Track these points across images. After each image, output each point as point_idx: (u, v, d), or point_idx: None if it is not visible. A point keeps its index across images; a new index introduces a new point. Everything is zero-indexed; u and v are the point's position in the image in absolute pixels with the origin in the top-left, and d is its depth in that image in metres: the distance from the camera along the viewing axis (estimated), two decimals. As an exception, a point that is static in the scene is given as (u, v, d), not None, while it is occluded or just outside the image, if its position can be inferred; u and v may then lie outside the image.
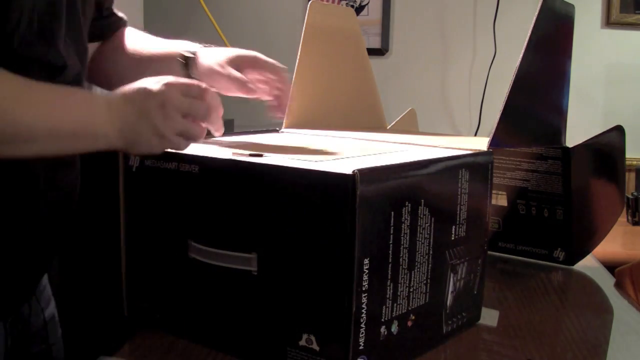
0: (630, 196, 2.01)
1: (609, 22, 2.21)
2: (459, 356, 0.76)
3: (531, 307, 0.92)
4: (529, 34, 0.89)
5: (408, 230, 0.68)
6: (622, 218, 2.04)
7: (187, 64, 0.93)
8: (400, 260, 0.67)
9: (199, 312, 0.75)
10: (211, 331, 0.74)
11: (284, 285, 0.67)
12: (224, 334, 0.73)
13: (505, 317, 0.88)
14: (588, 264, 1.12)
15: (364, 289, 0.63)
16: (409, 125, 1.29)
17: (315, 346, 0.66)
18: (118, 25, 0.99)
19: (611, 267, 1.10)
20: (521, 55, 0.87)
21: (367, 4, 2.31)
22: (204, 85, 0.73)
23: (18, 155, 0.69)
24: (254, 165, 0.69)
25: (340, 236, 0.62)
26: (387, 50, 2.33)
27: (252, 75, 0.94)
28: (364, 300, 0.64)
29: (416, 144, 0.88)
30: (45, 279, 0.93)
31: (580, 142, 1.07)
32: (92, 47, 0.94)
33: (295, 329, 0.67)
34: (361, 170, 0.61)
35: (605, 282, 1.06)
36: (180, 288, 0.76)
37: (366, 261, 0.63)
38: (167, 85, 0.70)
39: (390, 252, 0.66)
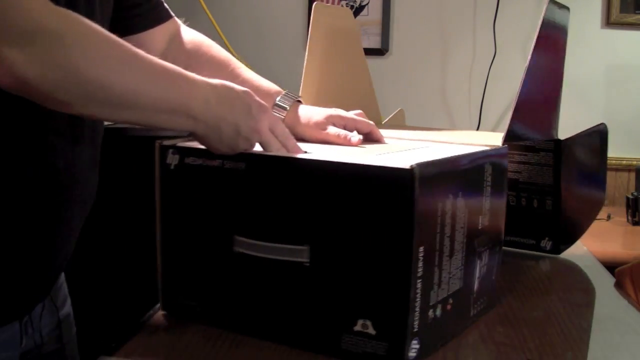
0: (630, 196, 2.01)
1: (609, 22, 2.21)
2: (458, 352, 0.76)
3: (527, 299, 0.92)
4: (535, 39, 0.95)
5: (450, 220, 0.73)
6: (622, 218, 2.04)
7: (281, 106, 0.94)
8: (444, 247, 0.73)
9: (245, 304, 0.78)
10: (260, 322, 0.77)
11: (338, 274, 0.71)
12: (274, 324, 0.76)
13: (501, 309, 0.88)
14: (575, 252, 1.18)
15: (419, 275, 0.68)
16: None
17: (371, 330, 0.70)
18: (166, 15, 0.98)
19: (611, 267, 1.10)
20: (529, 57, 0.93)
21: (367, 4, 2.31)
22: (287, 131, 0.77)
23: (113, 120, 0.71)
24: (307, 161, 0.72)
25: (399, 226, 0.67)
26: (387, 50, 2.33)
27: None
28: (419, 285, 0.69)
29: (432, 140, 0.93)
30: (62, 277, 0.93)
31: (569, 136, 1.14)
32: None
33: (350, 316, 0.71)
34: (419, 165, 0.66)
35: (591, 268, 1.11)
36: (225, 282, 0.79)
37: (421, 249, 0.68)
38: (265, 112, 0.75)
39: (437, 240, 0.71)
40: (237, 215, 0.76)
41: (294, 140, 0.78)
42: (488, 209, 0.82)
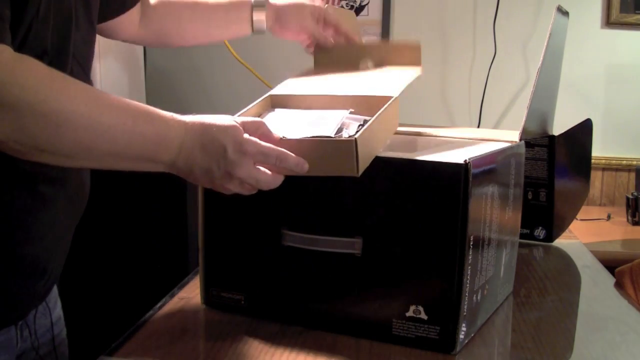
0: (630, 196, 2.01)
1: (609, 22, 2.20)
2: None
3: (526, 299, 0.92)
4: (544, 47, 1.01)
5: (490, 211, 0.78)
6: (622, 218, 2.04)
7: (258, 9, 0.96)
8: (485, 236, 0.78)
9: (294, 295, 0.81)
10: (309, 312, 0.81)
11: (390, 264, 0.75)
12: (324, 313, 0.80)
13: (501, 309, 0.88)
14: (563, 241, 1.28)
15: (469, 262, 0.73)
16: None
17: (423, 315, 0.74)
18: None
19: (611, 267, 1.10)
20: (541, 61, 1.00)
21: (367, 4, 2.31)
22: (283, 151, 0.72)
23: (77, 167, 0.70)
24: None
25: (455, 217, 0.71)
26: (387, 50, 2.33)
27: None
28: (469, 272, 0.74)
29: (453, 137, 0.97)
30: None
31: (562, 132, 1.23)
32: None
33: (402, 302, 0.75)
34: (472, 159, 0.71)
35: (591, 268, 1.15)
36: (273, 274, 0.82)
37: (471, 238, 0.73)
38: (244, 154, 0.70)
39: (482, 229, 0.76)
40: (285, 210, 0.79)
41: (293, 160, 0.72)
42: (512, 200, 0.88)
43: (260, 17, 0.96)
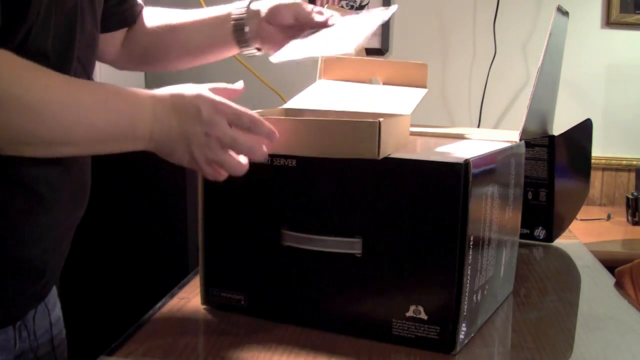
0: (630, 196, 2.01)
1: (609, 22, 2.21)
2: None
3: (526, 299, 0.92)
4: (544, 47, 1.01)
5: (490, 211, 0.78)
6: (622, 218, 2.04)
7: (240, 25, 0.92)
8: (485, 236, 0.78)
9: (294, 295, 0.81)
10: (309, 312, 0.80)
11: (390, 264, 0.75)
12: (324, 313, 0.79)
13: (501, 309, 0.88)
14: (563, 241, 1.28)
15: (469, 262, 0.73)
16: None
17: (423, 315, 0.74)
18: (139, 9, 0.98)
19: (611, 267, 1.10)
20: (541, 61, 1.00)
21: (367, 4, 2.31)
22: (256, 116, 0.73)
23: (54, 156, 0.69)
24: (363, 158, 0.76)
25: (454, 217, 0.71)
26: (387, 50, 2.33)
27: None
28: (469, 272, 0.74)
29: (453, 137, 0.97)
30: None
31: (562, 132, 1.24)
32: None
33: (402, 303, 0.75)
34: (472, 159, 0.71)
35: (591, 268, 1.14)
36: (273, 275, 0.81)
37: (471, 238, 0.73)
38: (218, 113, 0.71)
39: (481, 229, 0.76)
40: (285, 210, 0.79)
41: (266, 127, 0.73)
42: (512, 200, 0.88)
43: (241, 35, 0.92)
